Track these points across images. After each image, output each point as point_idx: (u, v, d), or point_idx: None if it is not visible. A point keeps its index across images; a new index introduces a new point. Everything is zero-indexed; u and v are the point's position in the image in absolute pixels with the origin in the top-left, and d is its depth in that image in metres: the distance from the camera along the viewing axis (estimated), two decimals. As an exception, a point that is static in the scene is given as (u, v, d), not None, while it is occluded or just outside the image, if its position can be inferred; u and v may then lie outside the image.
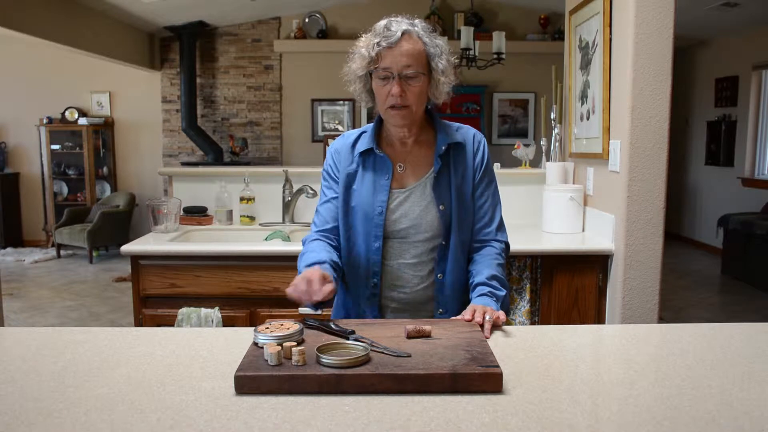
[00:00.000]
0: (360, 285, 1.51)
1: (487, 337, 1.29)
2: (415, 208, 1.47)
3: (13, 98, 7.55)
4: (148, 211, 2.82)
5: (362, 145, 1.51)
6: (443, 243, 1.49)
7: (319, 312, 1.35)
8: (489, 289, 1.45)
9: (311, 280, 1.27)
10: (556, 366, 1.15)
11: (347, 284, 1.55)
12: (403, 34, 1.37)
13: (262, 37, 7.41)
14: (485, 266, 1.49)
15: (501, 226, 1.57)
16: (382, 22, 1.41)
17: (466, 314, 1.35)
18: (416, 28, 1.40)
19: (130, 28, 6.75)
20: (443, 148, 1.48)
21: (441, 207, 1.47)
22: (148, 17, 6.54)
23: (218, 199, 3.05)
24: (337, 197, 1.53)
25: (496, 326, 1.36)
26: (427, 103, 1.50)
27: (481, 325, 1.31)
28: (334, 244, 1.53)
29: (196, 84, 7.28)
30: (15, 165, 7.69)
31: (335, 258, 1.47)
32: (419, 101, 1.42)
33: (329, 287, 1.27)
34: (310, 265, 1.38)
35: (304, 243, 1.54)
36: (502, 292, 1.46)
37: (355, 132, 1.56)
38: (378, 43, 1.37)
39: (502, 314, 1.38)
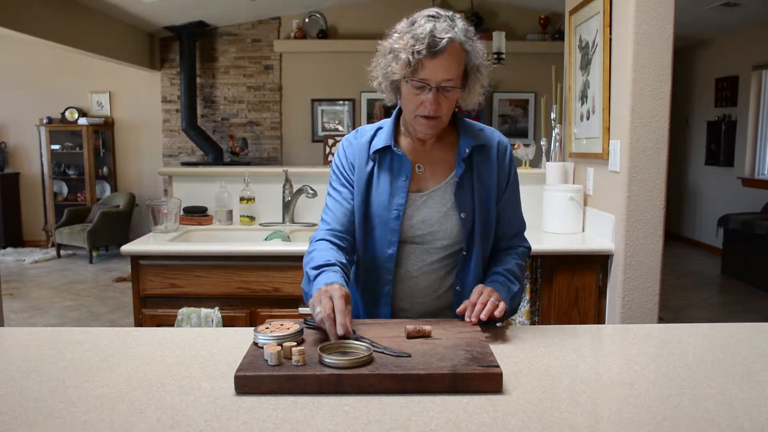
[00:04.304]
0: (374, 294, 1.44)
1: (474, 321, 1.27)
2: (434, 214, 1.39)
3: (13, 98, 7.55)
4: (148, 211, 2.82)
5: (379, 142, 1.41)
6: (464, 253, 1.41)
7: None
8: (503, 278, 1.40)
9: (334, 313, 1.16)
10: (556, 366, 1.15)
11: (361, 292, 1.47)
12: (447, 43, 1.24)
13: (262, 37, 7.41)
14: (503, 262, 1.46)
15: (524, 235, 1.54)
16: (426, 27, 1.25)
17: (473, 295, 1.32)
18: (459, 35, 1.27)
19: (130, 28, 6.75)
20: (467, 151, 1.39)
21: (462, 215, 1.39)
22: (148, 17, 6.54)
23: (218, 199, 3.05)
24: (350, 195, 1.43)
25: (492, 319, 1.30)
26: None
27: (484, 319, 1.28)
28: (343, 245, 1.41)
29: (196, 84, 7.28)
30: (15, 165, 7.69)
31: (343, 260, 1.37)
32: (450, 111, 1.35)
33: (348, 319, 1.18)
34: (319, 267, 1.31)
35: (311, 241, 1.43)
36: (516, 286, 1.42)
37: (371, 127, 1.46)
38: (419, 51, 1.24)
39: (502, 305, 1.30)
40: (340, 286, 1.22)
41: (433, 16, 1.28)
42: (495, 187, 1.43)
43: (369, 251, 1.42)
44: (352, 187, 1.44)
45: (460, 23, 1.30)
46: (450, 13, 1.31)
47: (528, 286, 2.46)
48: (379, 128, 1.45)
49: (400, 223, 1.38)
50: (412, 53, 1.25)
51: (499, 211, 1.46)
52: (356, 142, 1.45)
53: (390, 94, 1.38)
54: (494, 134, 1.46)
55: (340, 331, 1.14)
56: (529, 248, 1.54)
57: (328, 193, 1.48)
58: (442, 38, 1.24)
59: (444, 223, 1.39)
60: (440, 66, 1.26)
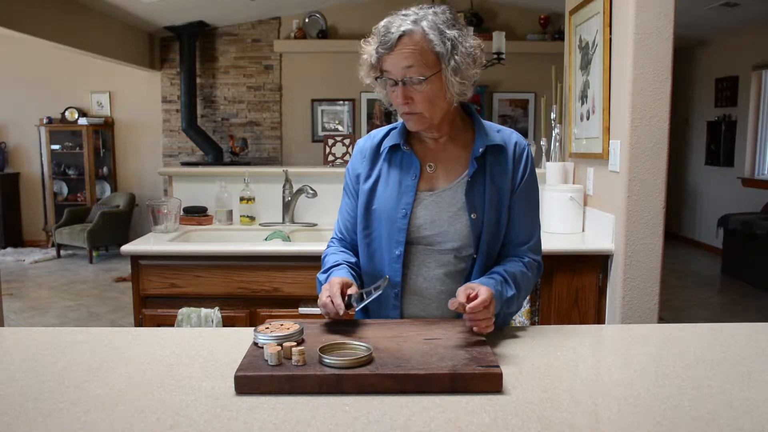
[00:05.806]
0: (381, 297, 1.37)
1: (462, 307, 1.18)
2: (443, 214, 1.35)
3: (13, 98, 7.55)
4: (148, 211, 2.82)
5: (389, 141, 1.41)
6: (474, 257, 1.36)
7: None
8: (501, 278, 1.31)
9: (333, 294, 1.26)
10: (556, 366, 1.15)
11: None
12: (401, 36, 1.23)
13: (262, 37, 7.41)
14: (506, 264, 1.37)
15: (537, 248, 1.43)
16: (383, 22, 1.27)
17: (460, 295, 1.21)
18: (422, 24, 1.24)
19: (130, 28, 6.75)
20: (480, 150, 1.34)
21: (473, 216, 1.34)
22: (148, 17, 6.54)
23: (218, 199, 3.05)
24: (354, 206, 1.46)
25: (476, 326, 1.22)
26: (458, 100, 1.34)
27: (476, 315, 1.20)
28: (352, 249, 1.49)
29: (196, 84, 7.28)
30: (15, 165, 7.69)
31: (352, 260, 1.44)
32: (432, 105, 1.29)
33: (352, 289, 1.29)
34: (327, 270, 1.41)
35: (328, 245, 1.54)
36: (511, 291, 1.32)
37: (384, 129, 1.46)
38: (376, 49, 1.26)
39: (490, 325, 1.23)
40: (341, 277, 1.31)
41: (401, 13, 1.27)
42: (508, 190, 1.38)
43: (377, 252, 1.41)
44: (357, 198, 1.46)
45: (430, 15, 1.26)
46: (426, 8, 1.28)
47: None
48: (393, 128, 1.45)
49: (407, 222, 1.35)
50: (371, 52, 1.28)
51: (512, 218, 1.39)
52: (365, 144, 1.47)
53: (385, 97, 1.37)
54: (512, 135, 1.42)
55: (331, 308, 1.24)
56: (539, 263, 1.43)
57: (342, 199, 1.53)
58: (393, 33, 1.24)
59: (453, 224, 1.34)
60: (397, 57, 1.25)
